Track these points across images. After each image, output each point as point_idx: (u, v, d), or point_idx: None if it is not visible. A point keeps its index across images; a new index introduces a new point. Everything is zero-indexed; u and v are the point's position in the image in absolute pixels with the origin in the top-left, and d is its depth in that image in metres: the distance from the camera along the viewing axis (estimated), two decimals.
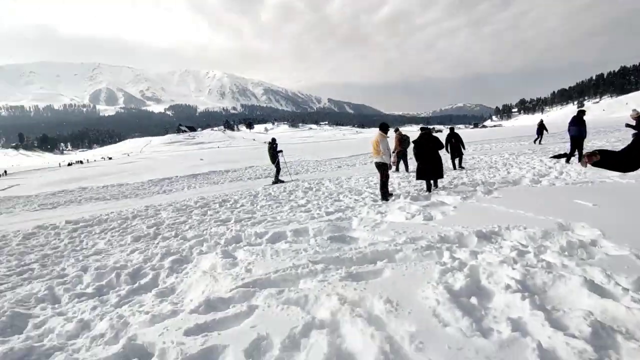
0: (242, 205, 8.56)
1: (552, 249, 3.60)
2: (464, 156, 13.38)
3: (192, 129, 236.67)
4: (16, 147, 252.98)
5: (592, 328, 2.15)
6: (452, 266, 3.37)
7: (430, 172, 8.31)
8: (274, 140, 13.37)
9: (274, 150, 13.03)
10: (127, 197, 14.22)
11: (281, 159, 13.45)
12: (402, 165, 13.21)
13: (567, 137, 11.17)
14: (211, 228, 6.43)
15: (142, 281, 4.10)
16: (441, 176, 8.26)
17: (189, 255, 4.85)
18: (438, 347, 2.16)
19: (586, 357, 1.97)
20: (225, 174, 20.04)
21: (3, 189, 25.48)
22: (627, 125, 10.48)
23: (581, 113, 10.60)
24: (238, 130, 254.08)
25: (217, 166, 26.37)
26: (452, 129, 12.96)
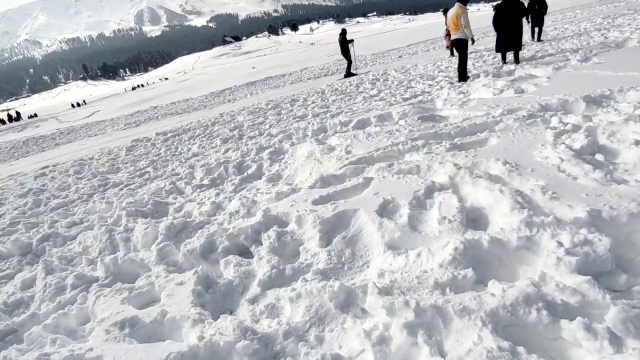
0: (313, 102, 8.58)
1: None
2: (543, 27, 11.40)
3: (237, 38, 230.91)
4: (84, 79, 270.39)
5: None
6: (565, 129, 3.18)
7: (511, 43, 7.45)
8: (344, 31, 13.11)
9: (345, 41, 12.72)
10: (196, 109, 14.95)
11: (352, 51, 13.20)
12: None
13: None
14: (292, 124, 6.62)
15: (249, 171, 4.49)
16: (520, 48, 7.40)
17: (282, 148, 5.12)
18: (574, 196, 2.15)
19: None
20: (282, 77, 19.85)
21: (88, 116, 28.09)
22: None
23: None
24: (283, 34, 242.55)
25: (272, 71, 26.12)
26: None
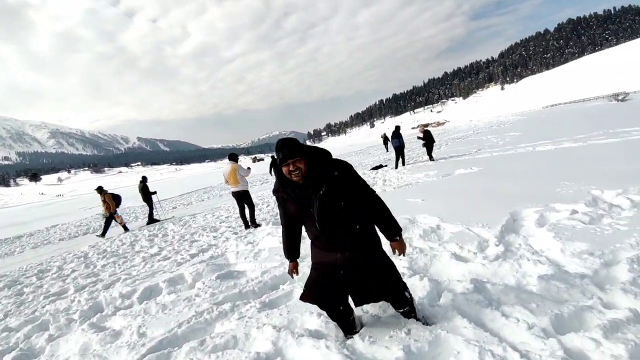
0: (73, 271, 6.92)
1: (414, 237, 4.47)
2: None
3: None
4: None
5: (473, 284, 2.85)
6: None
7: None
8: (145, 178, 13.19)
9: (145, 188, 12.71)
10: None
11: (155, 198, 13.21)
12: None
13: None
14: (44, 307, 4.98)
15: None
16: None
17: (32, 347, 3.65)
18: (393, 339, 2.43)
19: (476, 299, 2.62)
20: (19, 240, 15.53)
21: None
22: (419, 138, 13.91)
23: (398, 128, 13.71)
24: (17, 184, 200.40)
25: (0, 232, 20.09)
26: (273, 157, 14.95)
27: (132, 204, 22.64)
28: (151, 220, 12.45)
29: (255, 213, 8.12)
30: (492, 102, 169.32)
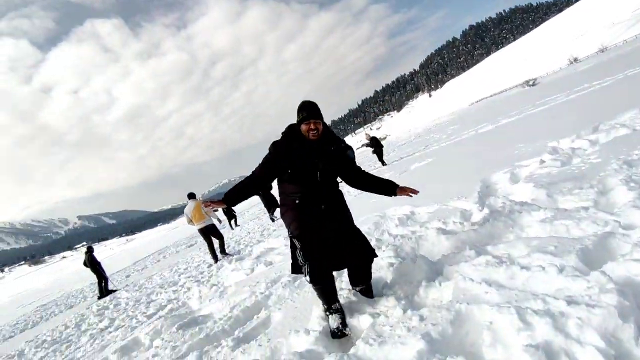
0: None
1: (391, 228, 4.05)
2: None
3: None
4: None
5: (474, 251, 2.45)
6: None
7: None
8: (91, 249, 12.13)
9: (92, 259, 11.64)
10: None
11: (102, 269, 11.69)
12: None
13: None
14: None
15: None
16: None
17: None
18: None
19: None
20: None
21: None
22: (365, 146, 13.81)
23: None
24: None
25: None
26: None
27: (80, 287, 20.24)
28: (105, 292, 10.99)
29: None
30: (425, 109, 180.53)
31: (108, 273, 12.12)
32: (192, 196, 8.14)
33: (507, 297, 1.77)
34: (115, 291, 10.91)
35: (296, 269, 2.54)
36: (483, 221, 3.12)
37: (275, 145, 2.38)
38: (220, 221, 8.47)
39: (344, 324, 2.27)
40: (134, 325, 5.06)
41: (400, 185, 2.56)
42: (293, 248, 2.54)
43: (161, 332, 3.96)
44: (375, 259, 2.60)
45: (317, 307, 2.65)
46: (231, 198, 2.45)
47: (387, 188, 2.55)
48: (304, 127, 2.30)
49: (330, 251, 2.40)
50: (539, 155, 4.50)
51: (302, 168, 2.32)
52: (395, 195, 2.55)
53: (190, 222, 7.94)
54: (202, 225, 7.80)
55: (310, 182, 2.35)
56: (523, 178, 3.89)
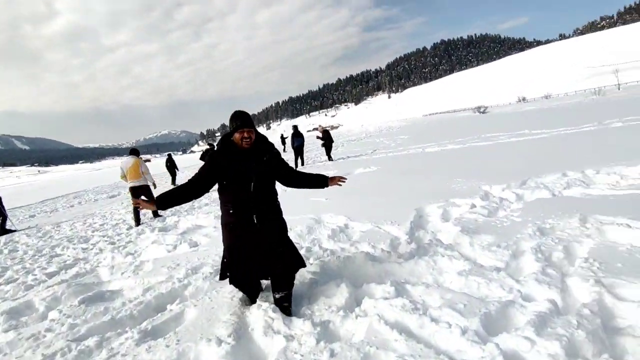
0: None
1: (323, 239, 4.12)
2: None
3: None
4: None
5: (394, 287, 2.59)
6: None
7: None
8: None
9: None
10: None
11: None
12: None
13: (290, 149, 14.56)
14: None
15: None
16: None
17: None
18: None
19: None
20: None
21: None
22: (318, 137, 13.86)
23: (296, 128, 13.58)
24: None
25: None
26: (169, 155, 17.06)
27: None
28: (1, 231, 9.81)
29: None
30: (381, 109, 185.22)
31: (8, 206, 10.86)
32: (133, 151, 8.08)
33: (412, 350, 1.90)
34: (13, 231, 9.82)
35: (223, 276, 2.70)
36: (409, 255, 3.31)
37: (211, 156, 2.48)
38: (155, 186, 8.13)
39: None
40: (30, 283, 4.61)
41: (330, 176, 2.85)
42: (223, 256, 2.69)
43: (60, 300, 3.67)
44: (301, 269, 2.75)
45: (234, 309, 2.64)
46: (165, 202, 2.46)
47: (319, 182, 2.80)
48: (237, 136, 2.40)
49: (257, 261, 2.54)
50: (472, 196, 4.85)
51: (235, 179, 2.42)
52: (327, 186, 2.82)
53: (124, 177, 7.78)
54: (136, 184, 7.68)
55: (243, 193, 2.42)
56: (453, 218, 4.18)
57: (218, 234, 5.49)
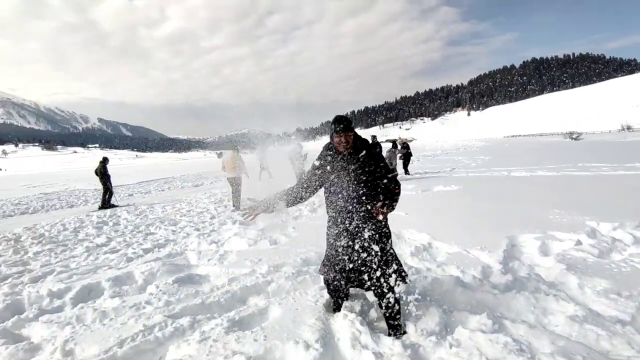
0: None
1: (406, 255, 3.98)
2: None
3: None
4: None
5: (491, 321, 2.38)
6: None
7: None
8: (105, 159, 12.29)
9: (104, 170, 11.81)
10: None
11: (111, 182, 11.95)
12: None
13: None
14: None
15: None
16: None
17: None
18: None
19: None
20: None
21: None
22: (393, 147, 13.68)
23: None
24: None
25: None
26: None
27: (83, 187, 20.77)
28: (106, 204, 11.30)
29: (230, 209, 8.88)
30: (458, 125, 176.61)
31: (113, 184, 12.36)
32: (234, 147, 9.41)
33: None
34: (116, 206, 11.18)
35: (321, 271, 2.71)
36: (504, 287, 3.04)
37: (317, 158, 2.60)
38: (247, 176, 9.59)
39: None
40: (130, 256, 5.16)
41: (381, 204, 2.32)
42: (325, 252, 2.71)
43: (156, 276, 4.02)
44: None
45: (318, 314, 2.64)
46: (293, 199, 2.67)
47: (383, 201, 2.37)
48: (336, 139, 2.47)
49: (350, 268, 2.48)
50: (575, 231, 4.33)
51: (331, 180, 2.50)
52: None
53: (223, 168, 9.24)
54: (231, 175, 9.02)
55: (340, 192, 2.46)
56: (554, 253, 3.75)
57: (297, 235, 5.62)
